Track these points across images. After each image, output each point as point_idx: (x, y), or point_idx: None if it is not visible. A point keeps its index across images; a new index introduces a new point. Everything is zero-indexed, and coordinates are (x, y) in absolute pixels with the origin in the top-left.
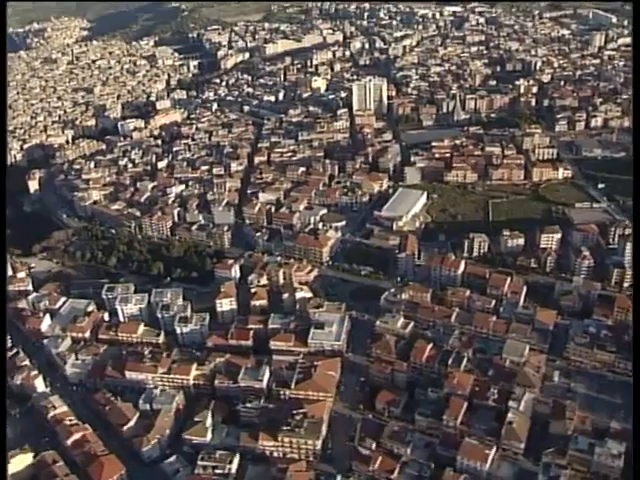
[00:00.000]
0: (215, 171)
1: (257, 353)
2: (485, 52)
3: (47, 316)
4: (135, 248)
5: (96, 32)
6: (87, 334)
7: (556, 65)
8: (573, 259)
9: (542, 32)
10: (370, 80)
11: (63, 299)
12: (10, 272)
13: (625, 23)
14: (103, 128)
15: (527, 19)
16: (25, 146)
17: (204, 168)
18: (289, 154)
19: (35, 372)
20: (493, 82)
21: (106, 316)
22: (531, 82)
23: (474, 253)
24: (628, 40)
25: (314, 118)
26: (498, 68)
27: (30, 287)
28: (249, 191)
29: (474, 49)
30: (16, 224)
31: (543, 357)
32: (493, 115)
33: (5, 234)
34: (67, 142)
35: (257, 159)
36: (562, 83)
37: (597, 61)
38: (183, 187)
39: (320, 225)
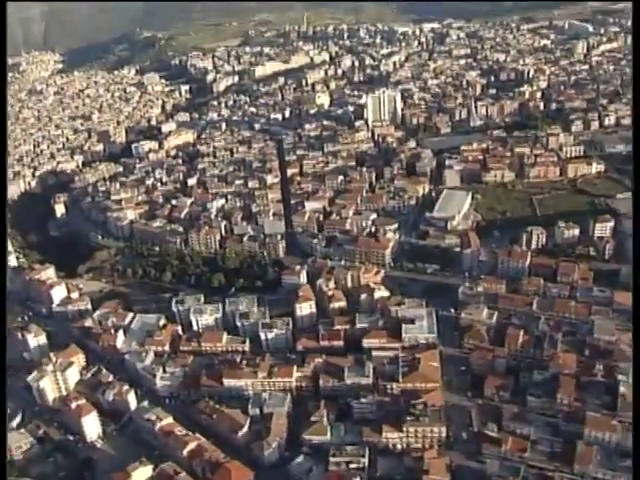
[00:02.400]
0: (250, 184)
1: (349, 352)
2: (474, 64)
3: (120, 332)
4: (188, 262)
5: (69, 64)
6: (167, 347)
7: (548, 72)
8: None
9: (524, 43)
10: (384, 92)
11: (130, 315)
12: (64, 293)
13: (602, 31)
14: (111, 152)
15: (506, 32)
16: (37, 173)
17: (238, 182)
18: (321, 165)
19: (126, 387)
20: (492, 91)
21: (179, 328)
22: (535, 88)
23: (532, 246)
24: (609, 46)
25: (333, 131)
26: (492, 78)
27: (89, 306)
28: (293, 201)
29: (462, 62)
30: (48, 248)
31: (629, 335)
32: (507, 119)
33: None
34: (78, 167)
35: (290, 171)
36: (562, 88)
37: (586, 67)
38: (223, 201)
39: (373, 229)
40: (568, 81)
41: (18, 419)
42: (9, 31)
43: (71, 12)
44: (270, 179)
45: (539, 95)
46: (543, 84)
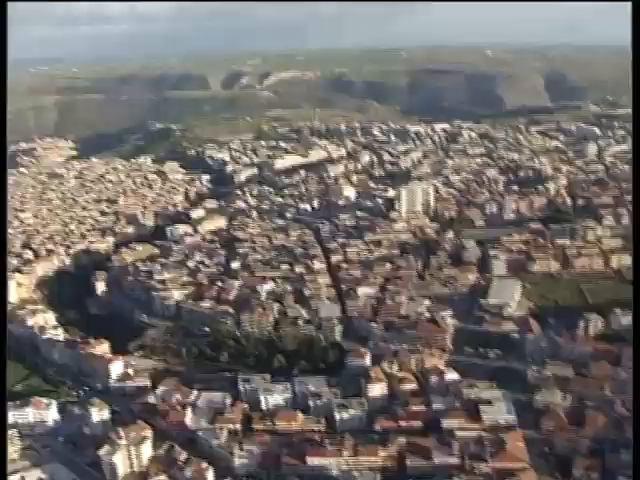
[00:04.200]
0: (297, 269)
1: (428, 433)
2: (491, 162)
3: (189, 409)
4: (243, 343)
5: (83, 152)
6: (238, 425)
7: (565, 171)
8: None
9: (536, 144)
10: (417, 184)
11: (195, 392)
12: (121, 369)
13: (609, 134)
14: (140, 234)
15: (516, 133)
16: (70, 251)
17: (284, 267)
18: (365, 253)
19: (205, 464)
20: (514, 187)
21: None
22: (559, 185)
23: (590, 332)
24: (619, 148)
25: (369, 221)
26: (512, 175)
27: (148, 383)
28: (343, 286)
29: (479, 160)
30: (89, 325)
31: None
32: (538, 213)
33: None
34: (110, 247)
35: (334, 258)
36: (584, 185)
37: (601, 166)
38: (272, 284)
39: (428, 315)
40: (588, 179)
41: None
42: (23, 118)
43: (82, 102)
44: (317, 265)
45: (564, 191)
46: (563, 182)
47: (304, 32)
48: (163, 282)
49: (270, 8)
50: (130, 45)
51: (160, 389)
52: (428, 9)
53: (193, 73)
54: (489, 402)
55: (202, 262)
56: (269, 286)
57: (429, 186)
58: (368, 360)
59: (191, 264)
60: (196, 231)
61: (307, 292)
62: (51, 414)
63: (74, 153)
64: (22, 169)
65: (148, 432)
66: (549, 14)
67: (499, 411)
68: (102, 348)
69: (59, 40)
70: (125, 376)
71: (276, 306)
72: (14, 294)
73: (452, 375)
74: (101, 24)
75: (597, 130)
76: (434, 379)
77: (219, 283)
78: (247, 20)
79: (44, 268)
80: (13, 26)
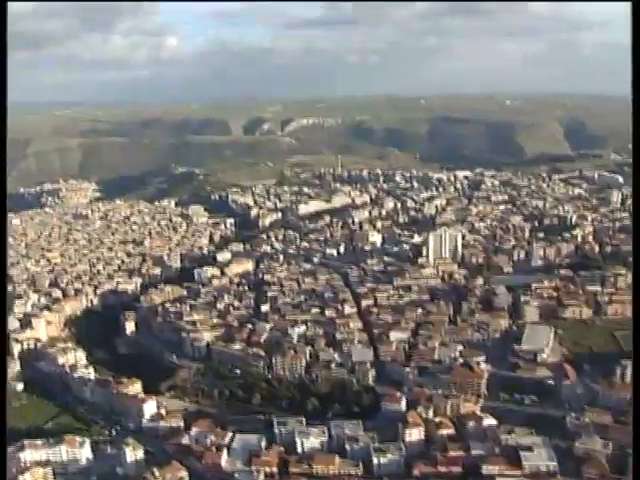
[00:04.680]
0: (327, 313)
1: (468, 478)
2: (515, 209)
3: (224, 451)
4: (275, 386)
5: (107, 194)
6: (274, 468)
7: (590, 219)
8: None
9: (559, 192)
10: (445, 230)
11: (230, 434)
12: (154, 409)
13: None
14: (167, 276)
15: (539, 181)
16: (98, 291)
17: (315, 311)
18: (395, 297)
19: None
20: (540, 234)
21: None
22: (586, 232)
23: (626, 379)
24: None
25: (397, 267)
26: (537, 223)
27: (181, 423)
28: (375, 331)
29: (502, 207)
30: (119, 365)
31: None
32: (567, 260)
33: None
34: (137, 288)
35: (364, 302)
36: (611, 232)
37: (626, 214)
38: (303, 328)
39: (461, 360)
40: (614, 226)
41: None
42: (47, 159)
43: (105, 145)
44: (347, 309)
45: (591, 238)
46: (589, 229)
47: (324, 80)
48: (193, 323)
49: (288, 57)
50: (152, 90)
51: (194, 430)
52: (448, 58)
53: (214, 118)
54: (529, 448)
55: (231, 304)
56: (300, 329)
57: (456, 232)
58: (403, 404)
59: (220, 306)
60: (223, 274)
61: (339, 336)
62: (84, 453)
63: (98, 195)
64: (47, 209)
65: (184, 473)
66: (566, 63)
67: (540, 457)
68: (134, 388)
69: (82, 84)
70: (158, 416)
71: (308, 349)
72: (43, 332)
73: (489, 421)
74: (124, 70)
75: (620, 178)
76: (471, 424)
77: (249, 325)
78: (266, 67)
79: (72, 307)
80: (38, 70)
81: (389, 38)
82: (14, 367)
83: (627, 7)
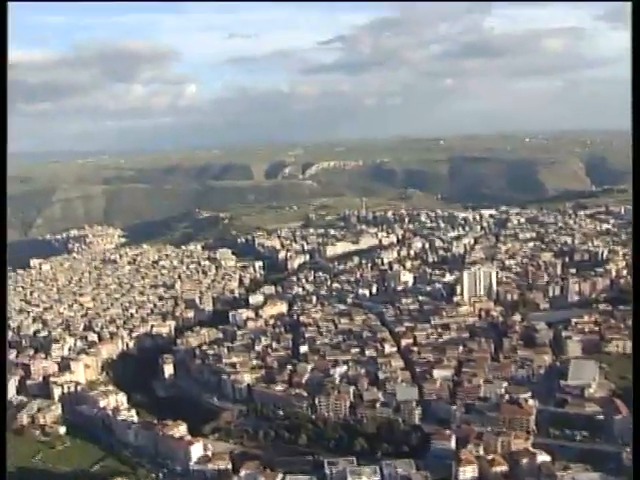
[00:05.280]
0: (368, 353)
1: None
2: (544, 246)
3: None
4: (321, 426)
5: (133, 239)
6: None
7: (621, 253)
8: None
9: (587, 227)
10: (479, 268)
11: (280, 476)
12: (201, 451)
13: None
14: (200, 319)
15: (565, 217)
16: (133, 335)
17: (354, 351)
18: (435, 336)
19: None
20: (572, 270)
21: None
22: (620, 266)
23: None
24: None
25: (433, 306)
26: (567, 259)
27: (229, 466)
28: (418, 369)
29: (531, 244)
30: (159, 408)
31: None
32: (603, 295)
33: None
34: (171, 331)
35: (404, 341)
36: None
37: None
38: (345, 368)
39: (507, 396)
40: None
41: None
42: (72, 207)
43: (128, 191)
44: (387, 348)
45: (625, 273)
46: (622, 263)
47: (342, 123)
48: (232, 365)
49: (306, 101)
50: (172, 137)
51: (243, 472)
52: (464, 99)
53: (236, 163)
54: None
55: (269, 346)
56: (342, 369)
57: (490, 270)
58: (453, 442)
59: (258, 348)
60: (258, 316)
61: (381, 375)
62: None
63: (124, 240)
64: (75, 255)
65: None
66: (582, 100)
67: None
68: (180, 430)
69: (104, 133)
70: (205, 459)
71: (351, 389)
72: (82, 375)
73: (543, 457)
74: (145, 118)
75: None
76: (525, 461)
77: (289, 366)
78: (285, 112)
79: (109, 350)
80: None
81: (405, 80)
82: (56, 410)
83: None
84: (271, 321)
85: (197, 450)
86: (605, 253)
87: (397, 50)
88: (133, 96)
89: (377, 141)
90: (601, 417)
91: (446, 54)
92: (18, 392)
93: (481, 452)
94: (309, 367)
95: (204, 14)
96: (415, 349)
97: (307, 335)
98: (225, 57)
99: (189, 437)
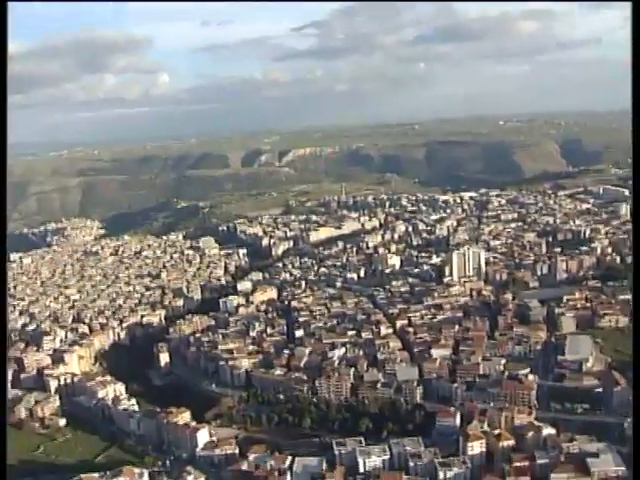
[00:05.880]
0: (364, 335)
1: None
2: (526, 227)
3: (287, 475)
4: (324, 409)
5: (112, 230)
6: None
7: (604, 232)
8: None
9: (567, 207)
10: (468, 249)
11: (289, 458)
12: (207, 437)
13: None
14: (189, 307)
15: (545, 198)
16: (124, 325)
17: (350, 333)
18: (429, 316)
19: None
20: (557, 249)
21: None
22: (604, 244)
23: None
24: None
25: (423, 287)
26: (551, 238)
27: (236, 451)
28: (415, 349)
29: (513, 225)
30: (156, 396)
31: None
32: (591, 272)
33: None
34: (163, 320)
35: (399, 322)
36: (628, 243)
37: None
38: (343, 350)
39: (507, 373)
40: (629, 238)
41: None
42: (48, 199)
43: (104, 183)
44: (383, 330)
45: (610, 250)
46: (605, 241)
47: (317, 109)
48: (229, 352)
49: (280, 88)
50: (147, 127)
51: (252, 456)
52: (438, 83)
53: (212, 152)
54: (596, 455)
55: (264, 331)
56: (340, 352)
57: (479, 250)
58: (458, 419)
59: (253, 334)
60: (249, 302)
61: (380, 356)
62: None
63: (103, 232)
64: (56, 247)
65: None
66: (556, 82)
67: (608, 463)
68: (184, 417)
69: (76, 124)
70: (211, 444)
71: (351, 371)
72: (76, 367)
73: (548, 430)
74: (118, 108)
75: (626, 191)
76: (530, 435)
77: (286, 351)
78: (258, 100)
79: (101, 341)
80: (33, 111)
81: (379, 65)
82: (54, 403)
83: (615, 22)
84: (262, 307)
85: (203, 436)
86: (587, 232)
87: (371, 35)
88: (105, 86)
89: (352, 127)
90: (600, 390)
91: (420, 39)
92: (12, 386)
93: (486, 428)
94: (307, 351)
95: (176, 2)
96: (411, 330)
97: (301, 319)
98: (198, 45)
99: (194, 424)
